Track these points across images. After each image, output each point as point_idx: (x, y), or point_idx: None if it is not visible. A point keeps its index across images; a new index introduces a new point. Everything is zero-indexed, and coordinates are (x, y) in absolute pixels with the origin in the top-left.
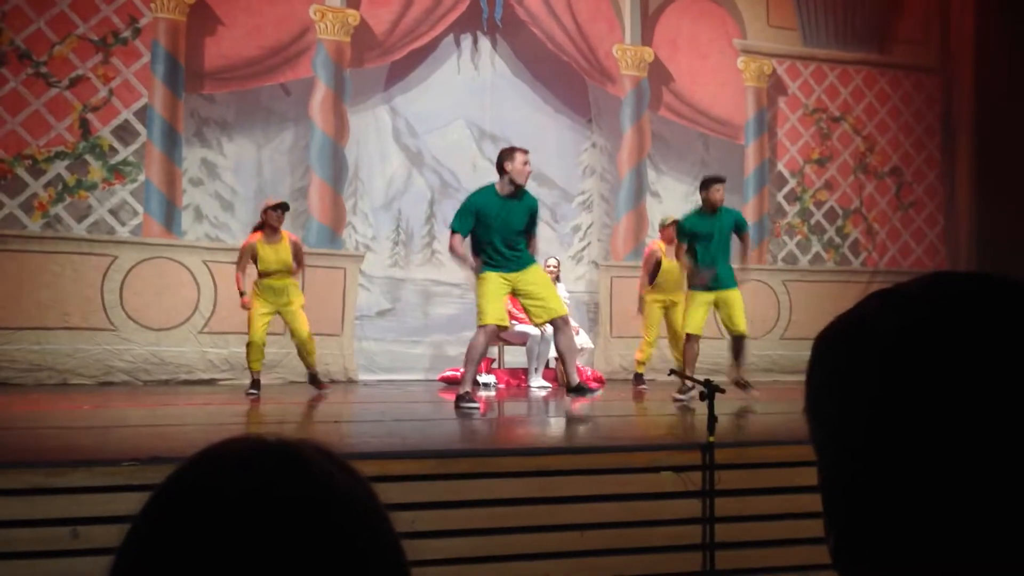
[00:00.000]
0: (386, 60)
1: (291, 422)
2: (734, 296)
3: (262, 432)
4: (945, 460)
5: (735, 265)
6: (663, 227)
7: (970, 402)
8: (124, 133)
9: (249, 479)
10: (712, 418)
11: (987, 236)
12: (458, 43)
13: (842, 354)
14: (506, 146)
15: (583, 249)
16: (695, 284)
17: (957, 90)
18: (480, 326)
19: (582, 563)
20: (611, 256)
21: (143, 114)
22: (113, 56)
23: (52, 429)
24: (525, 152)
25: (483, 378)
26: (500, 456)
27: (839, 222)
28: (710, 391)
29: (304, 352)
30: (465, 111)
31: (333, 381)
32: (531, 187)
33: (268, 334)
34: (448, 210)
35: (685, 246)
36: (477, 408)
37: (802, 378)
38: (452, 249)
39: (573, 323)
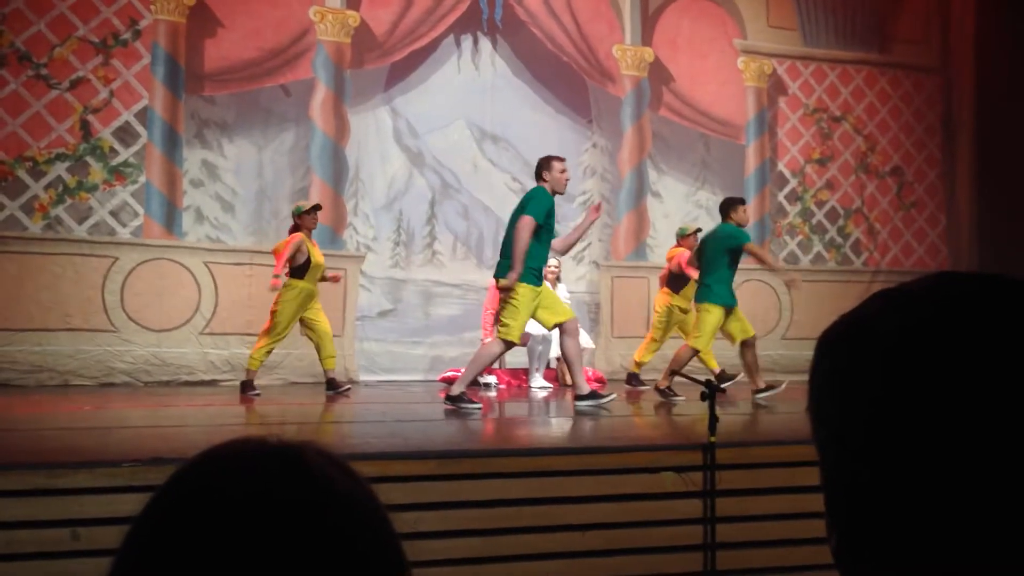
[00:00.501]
0: (386, 61)
1: (292, 423)
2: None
3: (263, 434)
4: (947, 460)
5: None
6: (685, 236)
7: (972, 402)
8: (125, 135)
9: (250, 481)
10: (713, 418)
11: (988, 235)
12: (458, 44)
13: (845, 354)
14: (544, 156)
15: (584, 249)
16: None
17: (958, 89)
18: (503, 339)
19: (583, 563)
20: (612, 256)
21: (143, 116)
22: (113, 58)
23: (53, 430)
24: (562, 160)
25: (484, 378)
26: (502, 457)
27: (840, 222)
28: (711, 391)
29: (327, 350)
30: (465, 112)
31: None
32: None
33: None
34: (449, 211)
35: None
36: (479, 408)
37: (804, 378)
38: (524, 241)
39: None
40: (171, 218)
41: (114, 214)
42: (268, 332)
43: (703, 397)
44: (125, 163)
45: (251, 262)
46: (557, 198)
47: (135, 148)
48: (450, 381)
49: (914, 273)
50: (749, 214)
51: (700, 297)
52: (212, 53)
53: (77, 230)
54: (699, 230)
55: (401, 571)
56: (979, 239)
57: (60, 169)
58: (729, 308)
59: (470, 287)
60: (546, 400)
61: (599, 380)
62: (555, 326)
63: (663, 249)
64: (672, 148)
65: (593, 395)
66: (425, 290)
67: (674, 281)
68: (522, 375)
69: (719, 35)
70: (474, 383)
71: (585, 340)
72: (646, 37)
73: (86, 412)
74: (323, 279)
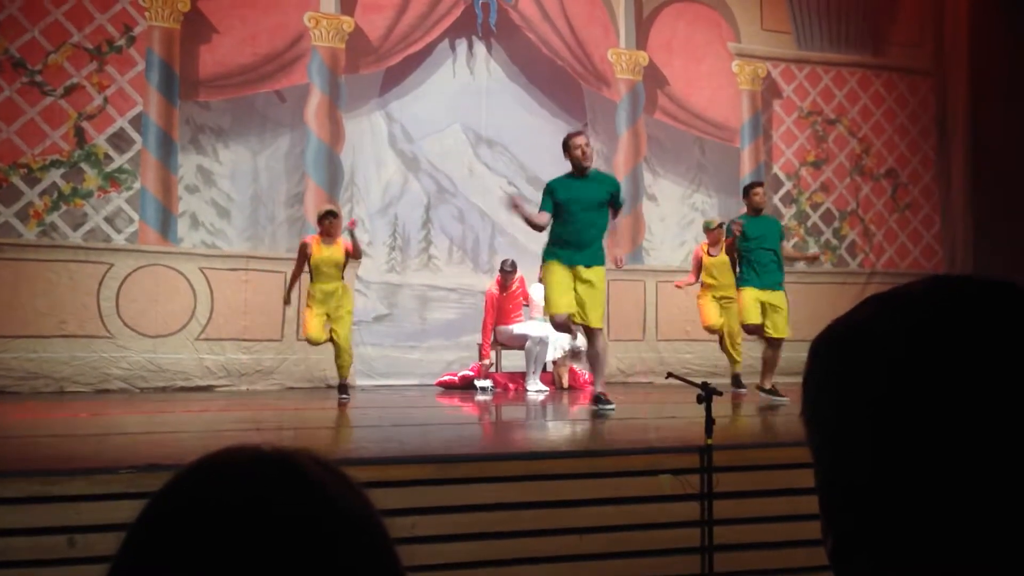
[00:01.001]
0: (381, 66)
1: (289, 428)
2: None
3: (258, 441)
4: (944, 462)
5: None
6: (710, 231)
7: (969, 405)
8: (119, 141)
9: (245, 489)
10: (710, 421)
11: (984, 236)
12: (453, 48)
13: (840, 357)
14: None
15: None
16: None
17: (952, 92)
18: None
19: (581, 567)
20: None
21: (138, 122)
22: (108, 64)
23: (49, 437)
24: (577, 134)
25: (480, 382)
26: (499, 460)
27: (836, 224)
28: (707, 394)
29: (342, 359)
30: (461, 116)
31: (329, 387)
32: (527, 191)
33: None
34: (444, 215)
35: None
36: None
37: (799, 379)
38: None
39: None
40: (166, 224)
41: (109, 220)
42: None
43: (700, 400)
44: (120, 169)
45: (247, 267)
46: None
47: (130, 154)
48: (447, 385)
49: (910, 275)
50: (762, 196)
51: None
52: (207, 59)
53: (72, 236)
54: (722, 224)
55: None
56: (975, 240)
57: (55, 176)
58: (756, 289)
59: (466, 291)
60: (543, 403)
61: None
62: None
63: (659, 252)
64: (667, 151)
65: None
66: (421, 294)
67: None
68: (519, 379)
69: (713, 39)
70: (471, 387)
71: (581, 343)
72: (641, 41)
73: (82, 419)
74: (351, 258)
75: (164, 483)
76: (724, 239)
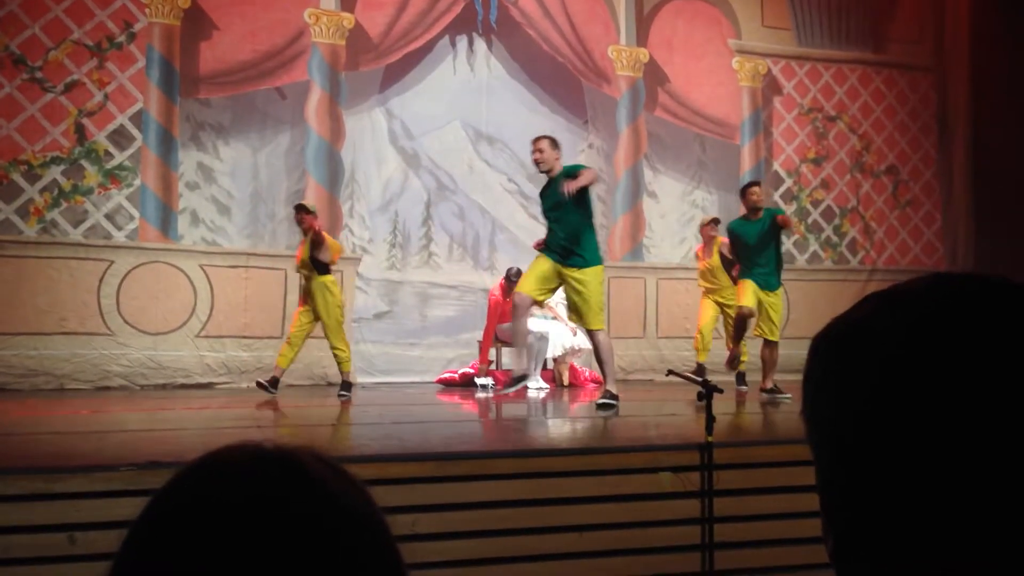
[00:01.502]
0: (381, 63)
1: (289, 426)
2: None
3: (260, 439)
4: (941, 460)
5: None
6: (703, 226)
7: (966, 403)
8: (120, 138)
9: (247, 487)
10: (710, 418)
11: (985, 233)
12: (453, 45)
13: (840, 355)
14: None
15: None
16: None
17: (953, 88)
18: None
19: (581, 564)
20: (608, 257)
21: (138, 119)
22: (108, 61)
23: (49, 434)
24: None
25: (481, 380)
26: (499, 458)
27: (836, 221)
28: (708, 392)
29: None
30: (461, 113)
31: (331, 384)
32: (527, 188)
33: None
34: (445, 212)
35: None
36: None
37: (800, 376)
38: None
39: (570, 324)
40: (167, 221)
41: (109, 217)
42: None
43: (700, 397)
44: (120, 166)
45: (247, 265)
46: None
47: (130, 151)
48: (447, 383)
49: (910, 271)
50: (760, 194)
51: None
52: (207, 56)
53: (72, 233)
54: (713, 220)
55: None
56: (975, 237)
57: (55, 172)
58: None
59: (467, 288)
60: (543, 401)
61: (596, 381)
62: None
63: (659, 249)
64: (668, 148)
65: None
66: (421, 292)
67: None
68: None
69: (714, 35)
70: (471, 384)
71: (581, 341)
72: (641, 38)
73: (82, 416)
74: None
75: (166, 481)
76: (718, 245)
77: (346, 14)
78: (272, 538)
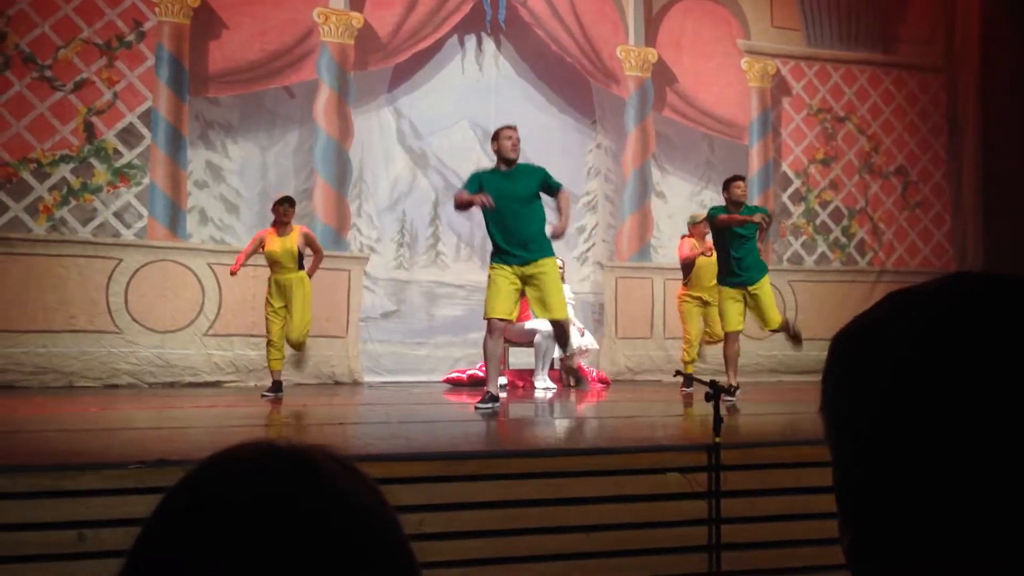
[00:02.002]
0: (390, 62)
1: (296, 424)
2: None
3: (271, 436)
4: (958, 459)
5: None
6: (695, 224)
7: (982, 402)
8: (129, 136)
9: (259, 485)
10: (718, 419)
11: (995, 235)
12: (462, 44)
13: (856, 354)
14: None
15: (588, 250)
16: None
17: (963, 89)
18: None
19: (588, 564)
20: (616, 257)
21: (147, 117)
22: (118, 60)
23: (58, 432)
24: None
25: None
26: (506, 458)
27: (844, 222)
28: (715, 392)
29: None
30: (469, 112)
31: (338, 383)
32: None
33: (264, 337)
34: (452, 212)
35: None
36: (498, 403)
37: (808, 378)
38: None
39: (578, 324)
40: (175, 220)
41: (118, 216)
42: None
43: (708, 398)
44: (129, 165)
45: (255, 263)
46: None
47: (139, 150)
48: (454, 382)
49: (920, 273)
50: (745, 189)
51: (719, 283)
52: (216, 55)
53: (81, 232)
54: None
55: (411, 574)
56: (985, 239)
57: (64, 171)
58: (736, 287)
59: (474, 288)
60: (551, 401)
61: (603, 381)
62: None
63: (667, 250)
64: (676, 149)
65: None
66: (429, 291)
67: (686, 272)
68: (527, 376)
69: (723, 36)
70: (479, 384)
71: (589, 341)
72: (650, 38)
73: (91, 414)
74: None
75: (179, 478)
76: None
77: (355, 13)
78: (283, 536)
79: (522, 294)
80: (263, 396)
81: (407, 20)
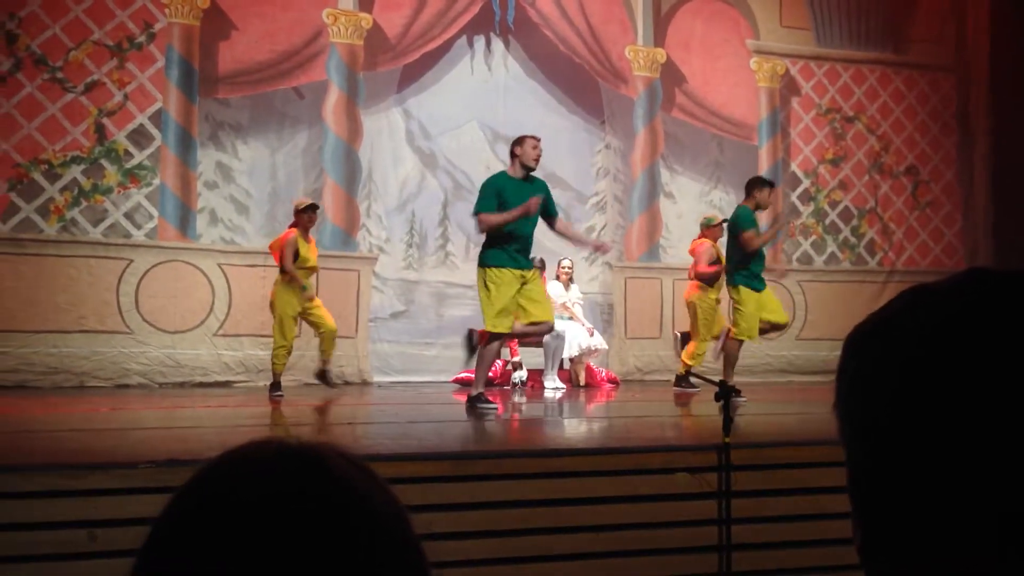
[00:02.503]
0: (399, 63)
1: (306, 424)
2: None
3: (281, 435)
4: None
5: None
6: (710, 227)
7: (993, 400)
8: (139, 137)
9: (270, 483)
10: (728, 419)
11: (1006, 234)
12: (471, 45)
13: (870, 351)
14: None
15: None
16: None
17: (974, 88)
18: (489, 331)
19: (597, 564)
20: (625, 257)
21: (158, 118)
22: (128, 61)
23: (70, 431)
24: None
25: (517, 375)
26: (515, 458)
27: (854, 222)
28: (724, 392)
29: (329, 344)
30: (478, 113)
31: (348, 383)
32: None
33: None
34: (461, 212)
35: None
36: (495, 408)
37: (817, 378)
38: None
39: (587, 324)
40: (185, 220)
41: (129, 216)
42: (275, 329)
43: (717, 398)
44: (139, 166)
45: (265, 263)
46: (571, 199)
47: (149, 151)
48: (463, 382)
49: (930, 273)
50: (775, 198)
51: (727, 281)
52: (226, 56)
53: (92, 232)
54: (725, 220)
55: (422, 573)
56: (996, 238)
57: (75, 172)
58: (757, 290)
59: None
60: (560, 401)
61: (612, 381)
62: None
63: (676, 250)
64: (685, 149)
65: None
66: (438, 291)
67: (712, 280)
68: (536, 375)
69: (732, 36)
70: (489, 383)
71: (598, 341)
72: (659, 38)
73: (102, 414)
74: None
75: (189, 477)
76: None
77: (364, 14)
78: (293, 534)
79: None
80: (274, 397)
81: (416, 21)
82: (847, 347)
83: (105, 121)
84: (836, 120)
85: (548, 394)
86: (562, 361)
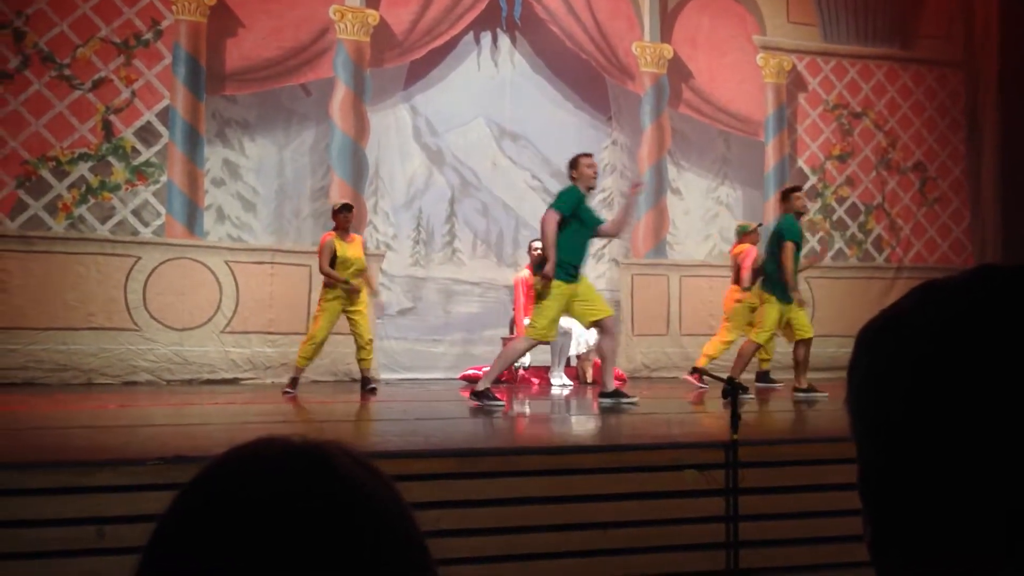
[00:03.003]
0: (406, 59)
1: (314, 421)
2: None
3: (287, 433)
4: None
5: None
6: (747, 233)
7: (1003, 396)
8: (146, 134)
9: (275, 481)
10: (736, 416)
11: (1014, 230)
12: (478, 41)
13: (882, 347)
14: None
15: (604, 247)
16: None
17: (982, 84)
18: (531, 337)
19: (605, 561)
20: (632, 254)
21: (165, 115)
22: (135, 58)
23: (78, 428)
24: (588, 156)
25: (556, 379)
26: (522, 455)
27: (861, 218)
28: (733, 389)
29: (366, 354)
30: (485, 109)
31: (355, 380)
32: (551, 184)
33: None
34: (469, 209)
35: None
36: (502, 405)
37: (825, 375)
38: (548, 234)
39: None
40: (193, 217)
41: (136, 214)
42: (311, 322)
43: (725, 395)
44: (147, 163)
45: (272, 261)
46: None
47: (157, 148)
48: (471, 379)
49: (938, 269)
50: (804, 201)
51: (762, 287)
52: (233, 53)
53: (100, 229)
54: (760, 225)
55: (427, 571)
56: (1004, 234)
57: (83, 169)
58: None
59: (490, 285)
60: (567, 398)
61: (619, 378)
62: (593, 324)
63: (683, 246)
64: (692, 145)
65: (617, 393)
66: (445, 288)
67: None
68: (543, 373)
69: (738, 32)
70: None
71: None
72: (665, 34)
73: (110, 411)
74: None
75: (195, 474)
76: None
77: (371, 11)
78: (300, 531)
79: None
80: (284, 393)
81: (423, 17)
82: (859, 344)
83: (112, 118)
84: (843, 116)
85: (555, 391)
86: (569, 358)
